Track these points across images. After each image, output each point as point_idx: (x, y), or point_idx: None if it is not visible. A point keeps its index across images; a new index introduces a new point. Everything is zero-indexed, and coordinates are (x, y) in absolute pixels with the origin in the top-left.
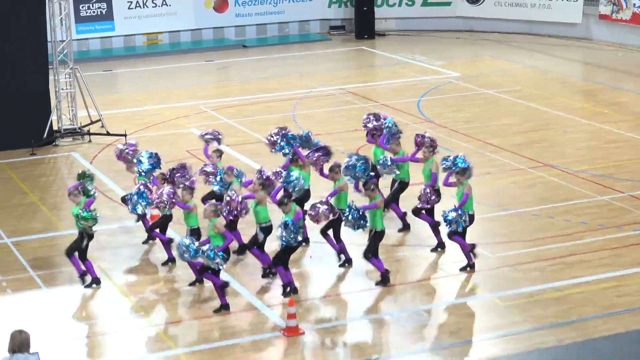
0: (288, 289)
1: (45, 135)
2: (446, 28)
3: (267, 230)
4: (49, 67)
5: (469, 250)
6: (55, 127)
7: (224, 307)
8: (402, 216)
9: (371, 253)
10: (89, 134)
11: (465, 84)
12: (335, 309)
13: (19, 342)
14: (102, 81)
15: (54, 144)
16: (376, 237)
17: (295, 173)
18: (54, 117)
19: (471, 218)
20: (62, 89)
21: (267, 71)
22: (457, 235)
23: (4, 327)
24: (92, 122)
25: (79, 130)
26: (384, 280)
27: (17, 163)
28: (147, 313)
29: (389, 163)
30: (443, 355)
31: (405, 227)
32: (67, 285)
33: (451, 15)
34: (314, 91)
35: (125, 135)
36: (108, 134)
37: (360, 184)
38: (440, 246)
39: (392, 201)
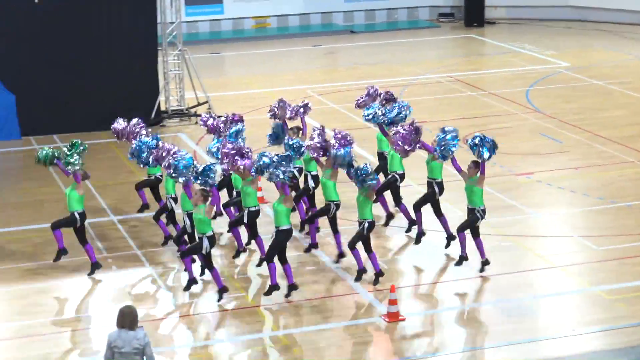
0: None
1: (152, 115)
2: (557, 17)
3: (254, 214)
4: (158, 48)
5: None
6: (162, 108)
7: (222, 290)
8: (410, 219)
9: (365, 246)
10: (195, 115)
11: (575, 74)
12: (434, 298)
13: (130, 319)
14: (210, 63)
15: (161, 124)
16: (367, 229)
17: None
18: (161, 98)
19: (483, 212)
20: (171, 71)
21: (374, 57)
22: (463, 232)
23: (108, 303)
24: (199, 104)
25: (186, 112)
26: (378, 275)
27: (124, 142)
28: (249, 293)
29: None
30: (543, 346)
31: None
32: (170, 263)
33: (563, 4)
34: (421, 78)
35: None
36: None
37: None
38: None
39: (400, 202)
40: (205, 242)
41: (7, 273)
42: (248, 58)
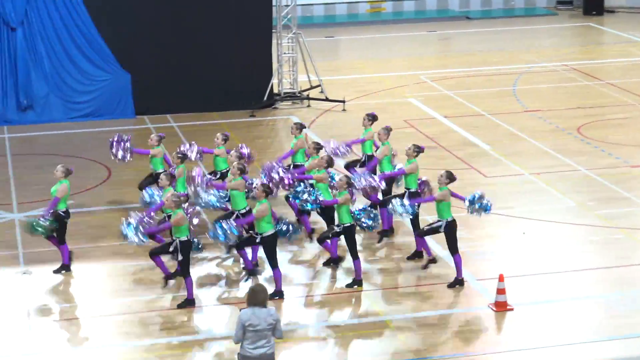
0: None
1: (265, 97)
2: None
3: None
4: (272, 31)
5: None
6: (275, 90)
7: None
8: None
9: (351, 251)
10: (308, 98)
11: None
12: (545, 288)
13: (262, 297)
14: (324, 47)
15: (273, 106)
16: (350, 234)
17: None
18: (274, 81)
19: (450, 225)
20: (284, 53)
21: (489, 44)
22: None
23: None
24: (311, 87)
25: (299, 95)
26: (355, 283)
27: (237, 124)
28: (366, 279)
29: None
30: None
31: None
32: (294, 247)
33: None
34: (537, 66)
35: (343, 101)
36: (327, 99)
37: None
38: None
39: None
40: (177, 245)
41: (121, 249)
42: (362, 42)
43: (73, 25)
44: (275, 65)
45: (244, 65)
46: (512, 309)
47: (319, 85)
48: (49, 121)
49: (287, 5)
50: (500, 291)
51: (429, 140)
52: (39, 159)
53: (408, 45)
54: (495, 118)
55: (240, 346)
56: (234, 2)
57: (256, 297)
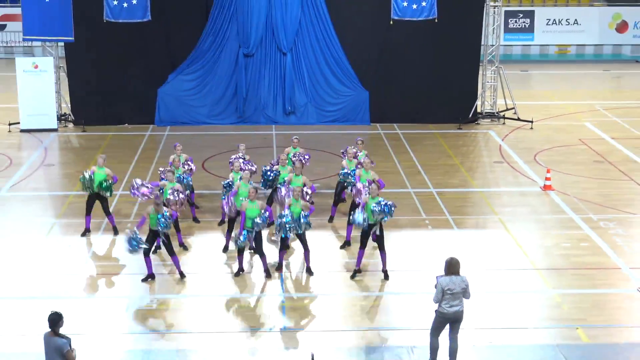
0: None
1: (470, 115)
2: None
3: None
4: (479, 64)
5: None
6: (478, 110)
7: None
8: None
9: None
10: (504, 117)
11: None
12: None
13: (457, 267)
14: (519, 79)
15: (476, 122)
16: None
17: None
18: (478, 102)
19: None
20: (487, 82)
21: None
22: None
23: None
24: (507, 109)
25: (497, 114)
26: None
27: (446, 134)
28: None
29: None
30: None
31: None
32: (476, 229)
33: None
34: None
35: (531, 121)
36: (518, 119)
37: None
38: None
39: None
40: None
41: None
42: (550, 77)
43: (328, 52)
44: (479, 90)
45: (456, 88)
46: None
47: (513, 108)
48: (305, 123)
49: (492, 45)
50: None
51: (598, 155)
52: None
53: (587, 80)
54: None
55: (439, 305)
56: (453, 41)
57: (454, 267)
